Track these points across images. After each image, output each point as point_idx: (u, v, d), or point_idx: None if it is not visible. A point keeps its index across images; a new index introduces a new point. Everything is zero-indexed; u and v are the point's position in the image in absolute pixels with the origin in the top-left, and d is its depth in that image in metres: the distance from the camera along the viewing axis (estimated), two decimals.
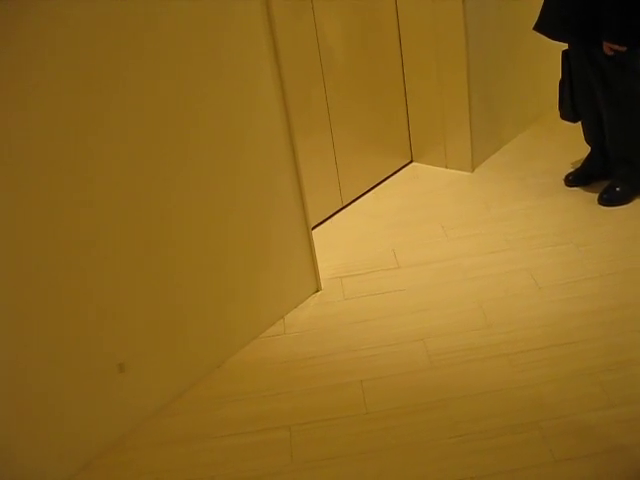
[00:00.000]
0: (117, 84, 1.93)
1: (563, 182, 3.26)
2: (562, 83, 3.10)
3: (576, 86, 3.03)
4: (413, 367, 2.34)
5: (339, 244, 3.09)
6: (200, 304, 2.36)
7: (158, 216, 2.16)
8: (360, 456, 2.05)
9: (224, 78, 2.20)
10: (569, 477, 1.89)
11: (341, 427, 2.16)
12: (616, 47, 2.68)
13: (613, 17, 2.64)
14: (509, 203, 3.19)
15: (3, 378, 1.91)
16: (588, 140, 3.20)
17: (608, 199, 3.05)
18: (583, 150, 3.24)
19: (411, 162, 3.68)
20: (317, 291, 2.78)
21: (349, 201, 3.40)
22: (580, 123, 3.16)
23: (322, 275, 2.78)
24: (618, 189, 3.06)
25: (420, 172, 3.59)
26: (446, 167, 3.56)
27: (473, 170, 3.50)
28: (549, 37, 2.92)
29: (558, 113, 3.18)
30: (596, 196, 3.09)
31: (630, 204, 3.04)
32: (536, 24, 2.93)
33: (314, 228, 3.12)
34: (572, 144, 3.45)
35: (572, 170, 3.28)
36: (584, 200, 3.12)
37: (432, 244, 2.99)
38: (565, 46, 3.00)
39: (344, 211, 3.36)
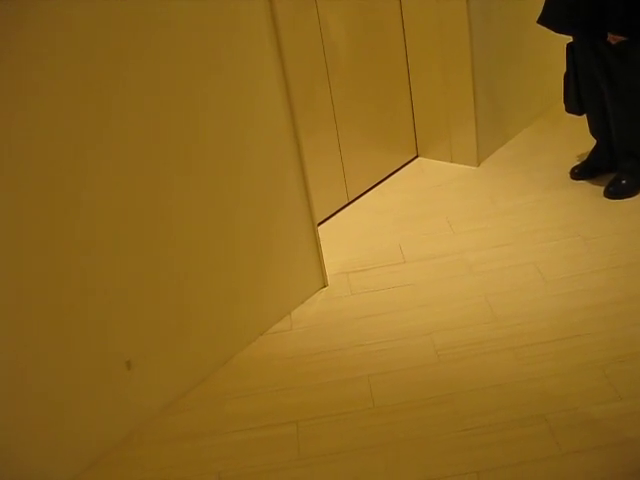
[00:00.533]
0: (119, 83, 1.94)
1: (569, 175, 3.25)
2: (567, 76, 3.08)
3: (581, 79, 3.02)
4: (420, 362, 2.35)
5: (345, 240, 3.09)
6: (206, 301, 2.37)
7: (163, 214, 2.16)
8: (367, 450, 2.06)
9: (229, 77, 2.20)
10: (576, 470, 1.89)
11: (348, 422, 2.17)
12: (619, 37, 2.67)
13: (618, 7, 2.63)
14: (515, 197, 3.18)
15: (7, 378, 1.92)
16: (594, 133, 3.18)
17: (614, 192, 3.05)
18: (589, 143, 3.23)
19: (417, 157, 3.68)
20: (323, 287, 2.78)
21: (355, 197, 3.40)
22: (585, 116, 3.15)
23: (328, 271, 2.79)
24: (624, 182, 3.05)
25: (426, 167, 3.59)
26: (451, 162, 3.56)
27: (479, 164, 3.49)
28: (553, 30, 2.90)
29: (563, 107, 3.17)
30: (602, 189, 3.08)
31: (636, 197, 3.03)
32: (540, 17, 2.90)
33: (320, 224, 3.13)
34: (577, 137, 3.43)
35: (578, 163, 3.27)
36: (590, 193, 3.11)
37: (438, 239, 2.99)
38: (569, 39, 2.99)
39: (350, 207, 3.36)
